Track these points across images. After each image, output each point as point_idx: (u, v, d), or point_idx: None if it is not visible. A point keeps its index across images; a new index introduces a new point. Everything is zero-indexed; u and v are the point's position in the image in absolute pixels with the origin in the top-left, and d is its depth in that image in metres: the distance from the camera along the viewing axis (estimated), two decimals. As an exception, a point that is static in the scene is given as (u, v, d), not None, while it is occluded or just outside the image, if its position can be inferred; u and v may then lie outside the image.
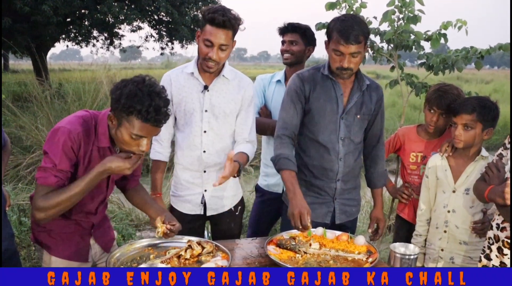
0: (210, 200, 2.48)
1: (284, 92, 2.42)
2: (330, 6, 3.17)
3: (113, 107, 1.78)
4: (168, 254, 2.02)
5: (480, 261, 2.13)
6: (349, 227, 2.54)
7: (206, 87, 2.37)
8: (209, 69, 2.29)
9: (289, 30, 2.96)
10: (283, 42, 2.99)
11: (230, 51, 2.32)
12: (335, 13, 3.18)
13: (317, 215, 2.44)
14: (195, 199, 2.48)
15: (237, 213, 2.59)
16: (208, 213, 2.50)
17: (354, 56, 2.19)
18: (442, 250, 2.43)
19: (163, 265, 1.89)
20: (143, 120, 1.73)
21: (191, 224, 2.46)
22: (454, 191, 2.38)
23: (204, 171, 2.44)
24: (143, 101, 1.70)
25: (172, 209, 2.54)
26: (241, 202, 2.63)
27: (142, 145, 1.81)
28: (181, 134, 2.44)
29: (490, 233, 2.09)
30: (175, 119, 2.45)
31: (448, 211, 2.40)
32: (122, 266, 1.91)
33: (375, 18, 3.18)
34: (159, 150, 2.48)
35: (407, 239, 2.60)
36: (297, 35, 2.93)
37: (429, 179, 2.48)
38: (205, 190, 2.47)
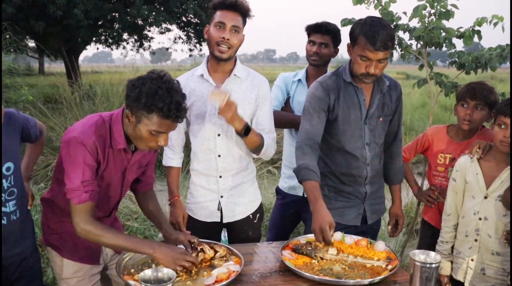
0: (227, 206, 2.41)
1: (305, 101, 2.32)
2: (358, 1, 3.06)
3: (132, 105, 1.76)
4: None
5: None
6: (372, 228, 2.51)
7: (217, 88, 2.31)
8: (222, 54, 2.22)
9: (321, 31, 2.81)
10: (311, 42, 2.84)
11: (242, 39, 2.27)
12: (362, 8, 3.09)
13: (348, 219, 2.41)
14: (211, 206, 2.41)
15: (255, 221, 2.50)
16: (225, 220, 2.43)
17: (381, 62, 2.12)
18: (472, 260, 2.26)
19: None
20: (164, 117, 1.74)
21: (207, 232, 2.39)
22: (486, 197, 2.22)
23: (220, 176, 2.38)
24: (164, 98, 1.71)
25: (188, 218, 2.49)
26: (260, 209, 2.54)
27: (161, 141, 1.82)
28: (195, 139, 2.39)
29: None
30: (189, 124, 2.40)
31: (480, 219, 2.23)
32: (132, 270, 1.90)
33: (405, 13, 3.06)
34: (171, 156, 2.45)
35: (430, 244, 2.47)
36: (328, 37, 2.80)
37: (456, 182, 2.33)
38: (221, 196, 2.40)
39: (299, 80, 2.93)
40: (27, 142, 2.22)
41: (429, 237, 2.64)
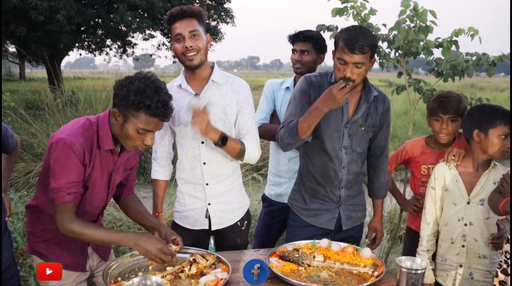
0: (215, 214, 2.41)
1: (291, 95, 2.39)
2: (337, 12, 3.09)
3: (120, 104, 1.79)
4: (169, 266, 1.97)
5: (496, 276, 2.00)
6: (354, 236, 2.52)
7: (196, 96, 2.32)
8: (192, 61, 2.23)
9: (300, 39, 2.86)
10: (294, 51, 2.90)
11: (206, 40, 2.26)
12: (342, 19, 3.14)
13: (321, 222, 2.44)
14: (199, 214, 2.41)
15: (243, 228, 2.50)
16: (213, 228, 2.42)
17: (357, 66, 2.15)
18: (460, 266, 2.29)
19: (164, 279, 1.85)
20: (151, 115, 1.77)
21: (196, 240, 2.38)
22: (468, 203, 2.26)
23: (207, 184, 2.37)
24: (152, 96, 1.75)
25: (175, 226, 2.48)
26: (247, 215, 2.54)
27: (147, 140, 1.85)
28: (181, 148, 2.39)
29: (507, 247, 1.99)
30: (175, 134, 2.40)
31: (465, 224, 2.26)
32: (119, 278, 1.88)
33: (384, 25, 3.12)
34: (157, 169, 2.45)
35: (416, 251, 2.50)
36: (309, 44, 2.84)
37: (435, 190, 2.36)
38: (209, 204, 2.40)
39: (287, 88, 2.95)
40: (4, 152, 2.19)
41: (414, 245, 2.66)
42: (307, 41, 2.84)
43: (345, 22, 3.14)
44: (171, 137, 2.42)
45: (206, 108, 2.16)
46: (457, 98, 2.49)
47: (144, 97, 1.74)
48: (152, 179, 2.48)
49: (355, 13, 3.08)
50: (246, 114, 2.37)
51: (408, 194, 2.93)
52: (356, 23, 3.10)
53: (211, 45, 2.33)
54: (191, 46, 2.19)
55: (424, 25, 2.95)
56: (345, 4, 3.08)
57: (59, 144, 1.79)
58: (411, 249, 2.69)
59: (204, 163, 2.35)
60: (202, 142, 2.32)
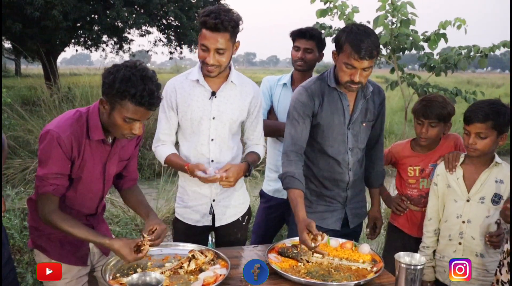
0: (219, 210, 2.41)
1: (290, 106, 2.33)
2: (321, 13, 3.09)
3: (106, 92, 1.78)
4: (168, 263, 1.97)
5: (495, 274, 2.01)
6: (356, 231, 2.54)
7: (213, 94, 2.30)
8: (209, 73, 2.21)
9: (306, 36, 2.82)
10: (296, 48, 2.86)
11: (231, 53, 2.22)
12: (327, 19, 3.15)
13: (328, 223, 2.42)
14: (203, 210, 2.40)
15: (244, 223, 2.51)
16: (217, 224, 2.42)
17: (365, 70, 2.13)
18: None
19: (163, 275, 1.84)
20: (136, 104, 1.74)
21: (197, 237, 2.37)
22: (468, 200, 2.27)
23: None
24: (137, 85, 1.72)
25: (177, 222, 2.47)
26: (248, 211, 2.56)
27: (135, 129, 1.83)
28: (187, 144, 2.37)
29: (506, 247, 2.00)
30: (181, 127, 2.38)
31: (463, 222, 2.27)
32: (118, 274, 1.88)
33: (368, 22, 3.11)
34: (166, 149, 2.35)
35: (402, 248, 2.48)
36: (313, 42, 2.82)
37: (438, 187, 2.36)
38: (213, 200, 2.39)
39: (284, 84, 2.94)
40: None
41: (396, 241, 2.64)
42: (311, 40, 2.82)
43: (331, 22, 3.17)
44: (176, 126, 2.39)
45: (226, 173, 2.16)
46: (441, 104, 2.44)
47: (129, 85, 1.72)
48: (166, 158, 2.33)
49: (339, 12, 3.08)
50: (258, 117, 2.41)
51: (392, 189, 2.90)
52: (342, 22, 3.10)
53: (237, 50, 2.27)
54: (212, 64, 2.17)
55: (405, 18, 2.94)
56: (327, 5, 3.07)
57: (47, 136, 1.80)
58: (392, 245, 2.67)
59: (212, 161, 2.34)
60: (212, 139, 2.31)
